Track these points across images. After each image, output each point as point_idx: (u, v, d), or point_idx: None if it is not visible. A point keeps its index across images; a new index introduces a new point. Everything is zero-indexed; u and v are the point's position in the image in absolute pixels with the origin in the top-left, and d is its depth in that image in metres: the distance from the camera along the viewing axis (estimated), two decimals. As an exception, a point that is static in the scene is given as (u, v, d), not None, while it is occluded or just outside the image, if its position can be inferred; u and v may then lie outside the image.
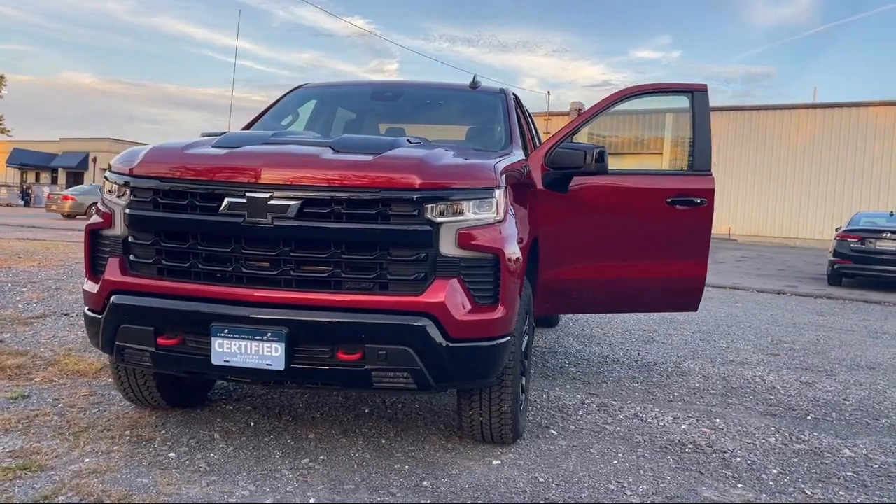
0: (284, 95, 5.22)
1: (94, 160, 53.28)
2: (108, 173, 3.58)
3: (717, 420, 4.46)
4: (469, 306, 3.18)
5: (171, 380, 3.95)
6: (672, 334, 7.65)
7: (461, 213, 3.20)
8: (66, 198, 30.08)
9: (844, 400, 5.19)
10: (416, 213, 3.13)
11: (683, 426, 4.30)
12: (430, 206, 3.15)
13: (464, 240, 3.19)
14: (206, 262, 3.25)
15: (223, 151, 3.33)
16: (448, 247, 3.17)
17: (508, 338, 3.35)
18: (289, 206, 3.11)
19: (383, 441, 3.78)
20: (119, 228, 3.42)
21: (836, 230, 15.66)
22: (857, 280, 14.80)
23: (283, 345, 3.10)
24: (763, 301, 11.54)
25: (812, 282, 15.36)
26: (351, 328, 3.11)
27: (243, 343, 3.13)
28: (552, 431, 4.09)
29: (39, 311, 6.91)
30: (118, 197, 3.43)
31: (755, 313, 9.87)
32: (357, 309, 3.14)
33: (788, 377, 5.82)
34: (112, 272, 3.38)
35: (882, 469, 3.76)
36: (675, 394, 5.10)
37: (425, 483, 3.26)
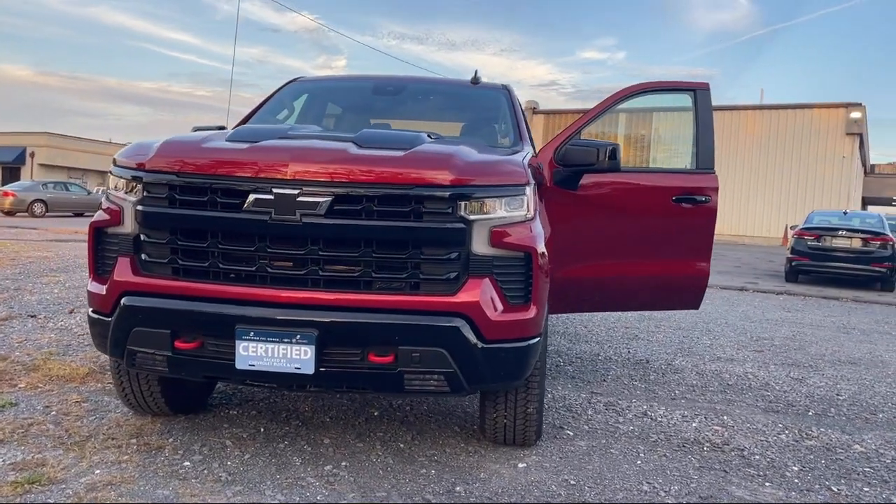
0: (279, 89, 5.05)
1: (32, 155, 51.35)
2: (114, 168, 3.38)
3: (725, 417, 4.47)
4: (502, 306, 3.10)
5: (174, 385, 3.78)
6: (654, 331, 7.70)
7: (493, 211, 3.12)
8: (5, 194, 28.88)
9: (837, 395, 5.27)
10: (449, 210, 3.04)
11: (694, 424, 4.30)
12: (463, 203, 3.05)
13: (496, 238, 3.10)
14: (228, 262, 3.09)
15: (244, 146, 3.18)
16: (480, 245, 3.08)
17: (539, 338, 3.27)
18: (319, 202, 2.98)
19: (402, 445, 3.67)
20: (129, 226, 3.23)
21: (792, 228, 16.07)
22: (813, 277, 15.20)
23: (313, 347, 2.97)
24: (729, 298, 11.75)
25: (770, 278, 15.73)
26: (384, 329, 3.00)
27: (270, 346, 2.99)
28: (567, 432, 4.04)
29: (3, 314, 6.57)
30: (127, 193, 3.24)
31: (726, 310, 10.03)
32: (389, 310, 3.03)
33: (778, 373, 5.90)
34: (122, 272, 3.19)
35: (873, 457, 3.81)
36: (676, 392, 5.11)
37: (458, 489, 3.16)
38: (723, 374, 5.77)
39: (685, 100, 5.05)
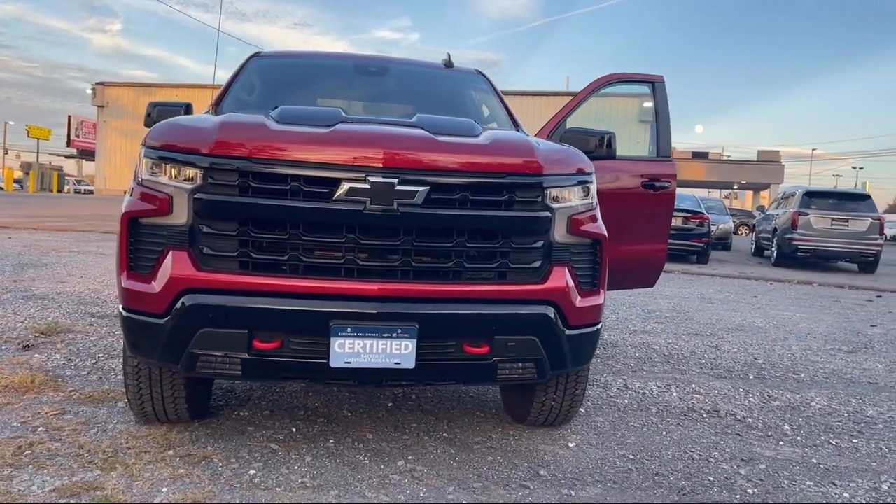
0: (243, 66, 4.68)
1: None
2: (151, 151, 3.01)
3: (693, 385, 4.89)
4: (580, 293, 3.18)
5: (197, 391, 3.48)
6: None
7: (570, 199, 3.19)
8: None
9: (755, 359, 5.93)
10: (538, 198, 3.06)
11: (674, 394, 4.66)
12: (548, 191, 3.09)
13: (574, 226, 3.18)
14: (314, 254, 2.89)
15: (323, 129, 2.98)
16: (560, 233, 3.14)
17: (601, 323, 3.40)
18: (416, 192, 2.87)
19: (445, 434, 3.65)
20: (182, 216, 2.91)
21: None
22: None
23: (414, 341, 2.88)
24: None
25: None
26: (482, 320, 2.98)
27: (368, 342, 2.86)
28: (580, 409, 4.21)
29: None
30: (180, 179, 2.92)
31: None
32: (484, 300, 3.01)
33: (693, 343, 6.50)
34: (180, 267, 2.87)
35: (857, 415, 4.41)
36: (631, 364, 5.47)
37: (542, 472, 3.22)
38: (652, 345, 6.25)
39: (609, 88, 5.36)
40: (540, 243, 3.08)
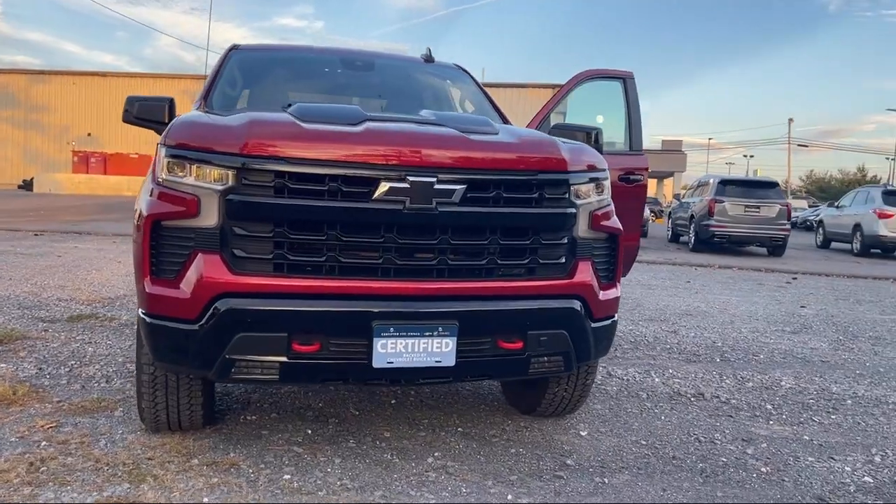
0: (226, 60, 4.53)
1: None
2: (174, 150, 2.89)
3: (670, 370, 5.10)
4: (601, 286, 3.28)
5: (210, 397, 3.39)
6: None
7: (590, 196, 3.28)
8: None
9: (714, 343, 6.22)
10: (565, 195, 3.13)
11: (656, 379, 4.84)
12: (573, 188, 3.17)
13: (595, 221, 3.27)
14: (352, 255, 2.86)
15: (356, 128, 2.94)
16: (583, 229, 3.23)
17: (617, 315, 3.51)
18: (454, 190, 2.89)
19: (461, 429, 3.68)
20: (212, 218, 2.82)
21: None
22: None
23: (454, 339, 2.90)
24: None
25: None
26: (517, 316, 3.03)
27: (410, 341, 2.86)
28: (574, 398, 4.33)
29: None
30: (212, 181, 2.82)
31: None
32: (518, 296, 3.06)
33: (653, 329, 6.75)
34: (214, 271, 2.79)
35: (825, 393, 4.71)
36: (605, 352, 5.63)
37: (569, 462, 3.31)
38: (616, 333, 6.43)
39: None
40: (566, 239, 3.15)
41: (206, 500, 2.76)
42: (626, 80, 5.34)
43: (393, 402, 4.07)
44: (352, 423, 3.68)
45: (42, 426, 3.44)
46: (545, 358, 3.12)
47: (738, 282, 11.37)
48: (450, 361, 2.91)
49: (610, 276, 3.35)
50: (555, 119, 5.35)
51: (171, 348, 2.91)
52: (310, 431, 3.54)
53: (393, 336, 2.83)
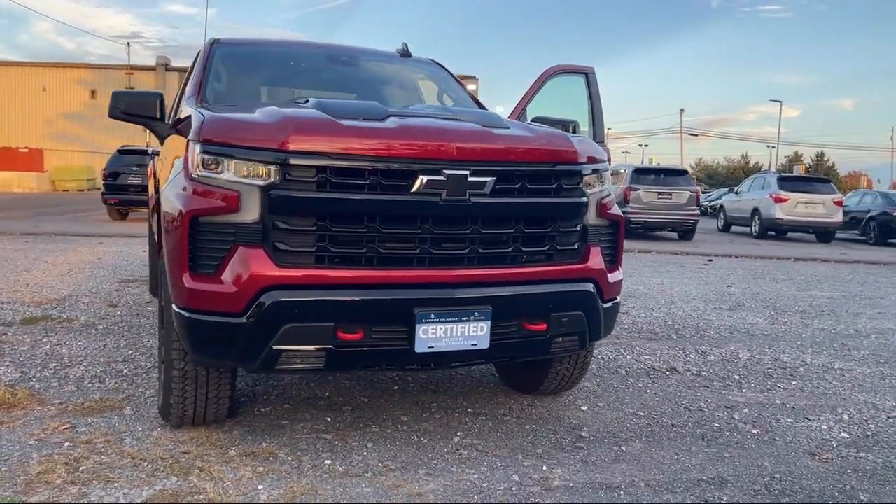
0: (210, 55, 4.49)
1: None
2: (221, 148, 2.92)
3: (637, 349, 5.43)
4: (608, 270, 3.52)
5: (233, 391, 3.44)
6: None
7: (597, 185, 3.51)
8: None
9: (666, 322, 6.63)
10: (578, 184, 3.35)
11: (628, 357, 5.16)
12: (586, 178, 3.39)
13: (602, 209, 3.51)
14: (391, 245, 2.99)
15: (390, 124, 3.06)
16: (592, 216, 3.46)
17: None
18: (486, 182, 3.06)
19: (470, 409, 3.86)
20: (253, 213, 2.88)
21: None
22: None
23: (489, 323, 3.08)
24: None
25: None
26: (542, 299, 3.23)
27: (449, 326, 3.02)
28: (561, 377, 4.57)
29: None
30: (252, 176, 2.88)
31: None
32: (541, 280, 3.25)
33: (604, 310, 7.10)
34: (259, 265, 2.86)
35: (778, 362, 5.15)
36: (571, 334, 5.93)
37: (583, 433, 3.54)
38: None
39: None
40: (579, 226, 3.38)
41: (260, 487, 2.83)
42: (588, 75, 5.62)
43: (395, 388, 4.20)
44: (366, 409, 3.79)
45: (56, 428, 3.39)
46: (565, 338, 3.33)
47: (663, 265, 11.98)
48: (484, 344, 3.08)
49: (614, 259, 3.59)
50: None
51: (213, 342, 2.95)
52: (329, 419, 3.63)
53: (434, 322, 2.98)
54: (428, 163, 2.97)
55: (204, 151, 2.95)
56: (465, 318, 3.03)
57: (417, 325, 2.95)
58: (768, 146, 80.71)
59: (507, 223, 3.16)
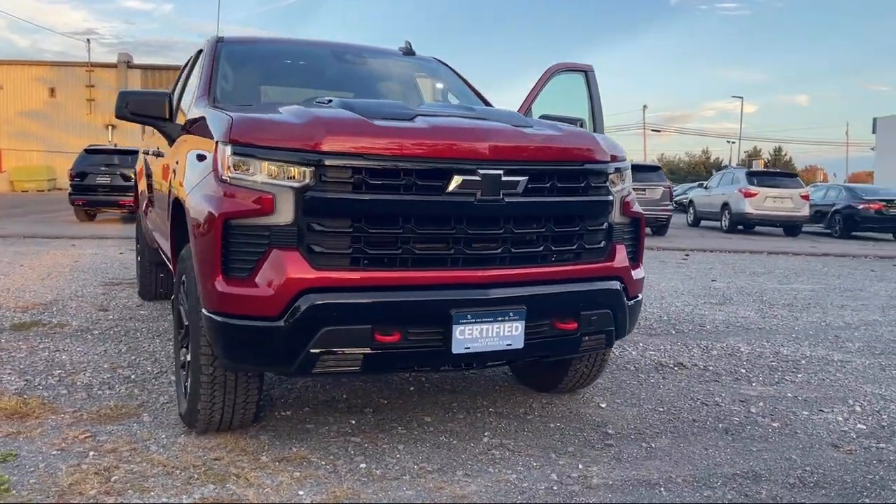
0: (216, 54, 4.41)
1: None
2: (253, 150, 2.88)
3: (640, 345, 5.47)
4: (631, 267, 3.54)
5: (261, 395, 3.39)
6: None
7: (619, 183, 3.53)
8: None
9: (661, 317, 6.70)
10: (604, 183, 3.37)
11: (633, 353, 5.20)
12: (611, 177, 3.41)
13: (626, 207, 3.53)
14: (426, 246, 2.96)
15: (419, 124, 3.04)
16: (616, 215, 3.48)
17: None
18: (518, 181, 3.05)
19: (491, 409, 3.85)
20: (287, 215, 2.84)
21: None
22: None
23: (523, 323, 3.07)
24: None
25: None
26: (574, 297, 3.24)
27: (485, 327, 3.01)
28: (573, 374, 4.59)
29: None
30: (286, 178, 2.84)
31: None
32: (571, 279, 3.26)
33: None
34: (295, 267, 2.82)
35: (779, 355, 5.23)
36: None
37: (609, 430, 3.56)
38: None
39: None
40: (605, 224, 3.39)
41: (301, 492, 2.79)
42: (587, 73, 5.63)
43: (412, 388, 4.18)
44: (387, 411, 3.77)
45: (77, 437, 3.30)
46: (594, 336, 3.34)
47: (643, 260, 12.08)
48: (519, 344, 3.08)
49: (636, 257, 3.62)
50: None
51: (247, 346, 2.90)
52: (353, 422, 3.59)
53: (470, 322, 2.97)
54: (463, 163, 2.96)
55: (235, 153, 2.90)
56: (500, 319, 3.02)
57: (454, 326, 2.94)
58: (728, 142, 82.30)
59: (539, 222, 3.16)
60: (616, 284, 3.37)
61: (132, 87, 36.87)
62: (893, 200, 20.38)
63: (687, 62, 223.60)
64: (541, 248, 3.18)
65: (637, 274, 3.55)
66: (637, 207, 3.62)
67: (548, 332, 3.20)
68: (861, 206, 20.33)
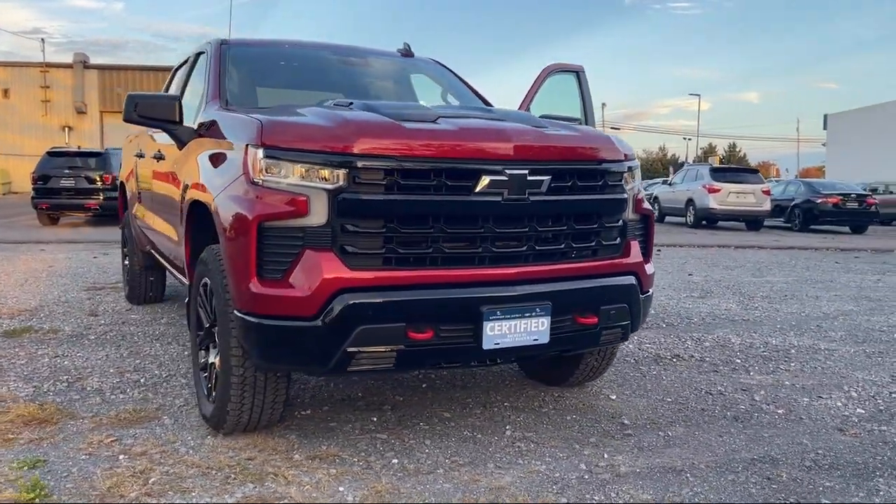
0: (222, 57, 4.41)
1: None
2: (285, 153, 2.92)
3: (635, 338, 5.59)
4: (644, 262, 3.66)
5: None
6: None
7: (632, 182, 3.64)
8: None
9: (650, 311, 6.84)
10: (620, 182, 3.48)
11: (630, 346, 5.34)
12: (625, 175, 3.52)
13: (638, 205, 3.65)
14: (455, 245, 3.04)
15: (446, 126, 3.10)
16: (629, 212, 3.59)
17: None
18: (543, 181, 3.14)
19: (506, 403, 3.94)
20: (321, 217, 2.89)
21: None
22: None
23: (549, 318, 3.16)
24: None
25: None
26: (595, 292, 3.34)
27: (513, 322, 3.09)
28: (577, 368, 4.70)
29: None
30: (320, 180, 2.88)
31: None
32: (592, 275, 3.36)
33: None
34: (330, 268, 2.87)
35: (769, 346, 5.42)
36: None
37: (625, 421, 3.67)
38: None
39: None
40: (620, 222, 3.50)
41: (342, 489, 2.84)
42: (579, 74, 5.75)
43: (424, 385, 4.24)
44: (405, 408, 3.83)
45: (102, 441, 3.30)
46: (612, 330, 3.45)
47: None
48: (545, 339, 3.17)
49: (647, 252, 3.73)
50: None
51: (282, 346, 2.94)
52: (374, 419, 3.65)
53: (500, 319, 3.05)
54: (491, 163, 3.04)
55: (267, 156, 2.93)
56: (527, 314, 3.11)
57: (485, 323, 3.01)
58: (685, 138, 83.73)
59: (561, 220, 3.25)
60: (631, 279, 3.48)
61: (89, 88, 36.20)
62: (850, 195, 21.05)
63: (641, 60, 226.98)
64: (563, 246, 3.27)
65: (649, 269, 3.67)
66: (647, 205, 3.74)
67: (570, 326, 3.30)
68: (819, 201, 20.94)
